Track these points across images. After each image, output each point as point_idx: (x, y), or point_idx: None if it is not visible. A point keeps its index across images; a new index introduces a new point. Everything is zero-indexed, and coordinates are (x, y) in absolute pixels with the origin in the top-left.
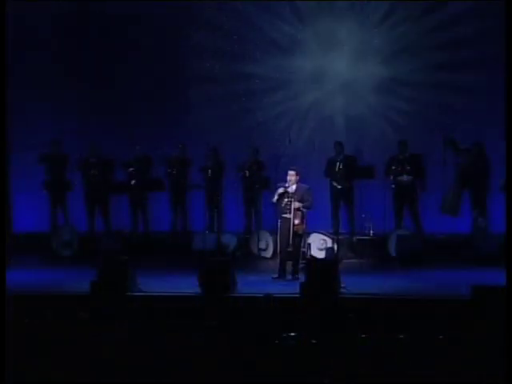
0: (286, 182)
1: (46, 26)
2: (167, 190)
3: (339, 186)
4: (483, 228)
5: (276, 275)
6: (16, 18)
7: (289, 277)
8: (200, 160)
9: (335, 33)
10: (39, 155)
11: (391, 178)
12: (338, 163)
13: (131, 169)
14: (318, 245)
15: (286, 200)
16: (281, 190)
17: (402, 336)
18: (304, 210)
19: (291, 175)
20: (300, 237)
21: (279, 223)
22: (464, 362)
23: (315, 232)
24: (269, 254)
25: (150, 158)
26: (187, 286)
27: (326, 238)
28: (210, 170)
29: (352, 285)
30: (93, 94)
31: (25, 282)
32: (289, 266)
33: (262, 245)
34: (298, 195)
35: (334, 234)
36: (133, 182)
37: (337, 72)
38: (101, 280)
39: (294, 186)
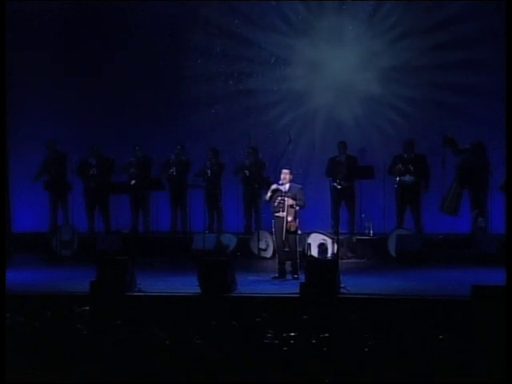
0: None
1: (46, 26)
2: (167, 189)
3: (339, 187)
4: (483, 228)
5: (276, 275)
6: (16, 18)
7: (289, 277)
8: (199, 160)
9: (341, 32)
10: (42, 162)
11: (395, 177)
12: (340, 163)
13: (131, 169)
14: (318, 245)
15: (279, 198)
16: (274, 187)
17: (402, 336)
18: (297, 207)
19: (285, 174)
20: (294, 234)
21: (273, 223)
22: (464, 361)
23: (315, 232)
24: (269, 254)
25: (150, 158)
26: (187, 285)
27: (326, 237)
28: (209, 171)
29: (352, 285)
30: (93, 94)
31: (25, 282)
32: (288, 265)
33: (262, 245)
34: (291, 194)
35: (333, 234)
36: (133, 182)
37: (338, 71)
38: (101, 280)
39: (287, 185)
